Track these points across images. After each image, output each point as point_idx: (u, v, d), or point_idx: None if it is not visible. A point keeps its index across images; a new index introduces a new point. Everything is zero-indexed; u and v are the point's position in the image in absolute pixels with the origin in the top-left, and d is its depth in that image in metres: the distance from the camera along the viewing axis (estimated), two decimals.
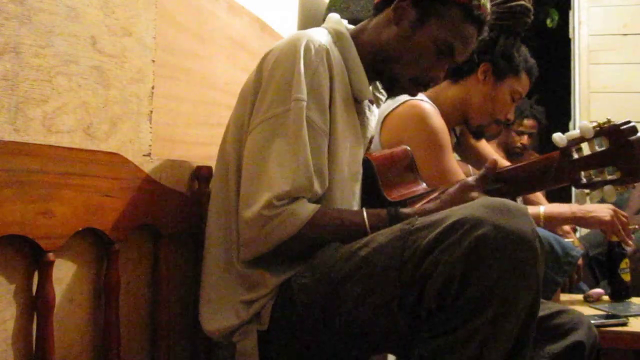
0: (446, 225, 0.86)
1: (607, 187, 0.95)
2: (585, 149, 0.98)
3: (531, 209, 1.64)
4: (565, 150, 0.98)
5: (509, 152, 3.26)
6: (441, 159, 1.51)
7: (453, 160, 1.55)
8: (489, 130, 1.82)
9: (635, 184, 0.98)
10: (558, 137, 0.98)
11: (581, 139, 0.96)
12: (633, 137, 0.92)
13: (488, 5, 1.15)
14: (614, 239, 1.67)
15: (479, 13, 1.12)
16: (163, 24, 1.17)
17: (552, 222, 1.66)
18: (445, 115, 1.57)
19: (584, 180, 0.98)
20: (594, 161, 0.96)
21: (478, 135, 1.77)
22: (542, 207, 1.66)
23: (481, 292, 0.83)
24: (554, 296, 1.62)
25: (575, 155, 0.97)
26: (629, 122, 0.94)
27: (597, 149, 0.95)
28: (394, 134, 1.57)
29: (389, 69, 1.15)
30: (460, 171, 1.54)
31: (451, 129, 1.73)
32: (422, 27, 1.11)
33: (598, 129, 0.95)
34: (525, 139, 3.23)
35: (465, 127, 1.74)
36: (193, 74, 1.30)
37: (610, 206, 1.64)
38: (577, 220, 1.64)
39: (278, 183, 0.97)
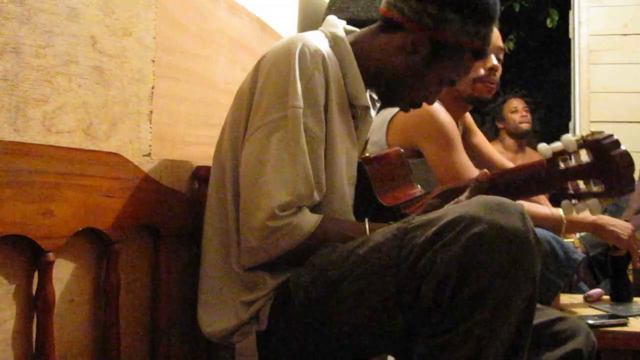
0: (443, 224, 0.86)
1: (592, 200, 0.94)
2: (572, 159, 0.98)
3: (553, 211, 1.64)
4: (552, 160, 0.98)
5: (517, 133, 3.36)
6: (453, 154, 1.52)
7: (464, 154, 1.56)
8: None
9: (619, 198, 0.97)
10: (543, 147, 0.98)
11: (564, 151, 0.96)
12: (615, 152, 0.91)
13: (492, 38, 1.17)
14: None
15: (486, 51, 1.15)
16: (163, 24, 1.17)
17: (573, 226, 1.67)
18: None
19: (571, 191, 0.97)
20: (579, 173, 0.95)
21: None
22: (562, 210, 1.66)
23: (478, 290, 0.83)
24: (554, 299, 1.62)
25: (562, 165, 0.97)
26: (611, 135, 0.93)
27: (582, 160, 0.95)
28: (404, 134, 1.58)
29: (391, 90, 1.18)
30: (472, 164, 1.54)
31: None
32: (433, 65, 1.13)
33: (581, 142, 0.94)
34: (523, 112, 3.37)
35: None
36: (193, 74, 1.30)
37: (630, 226, 1.65)
38: (597, 228, 1.65)
39: (278, 192, 0.98)
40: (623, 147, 0.92)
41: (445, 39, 1.10)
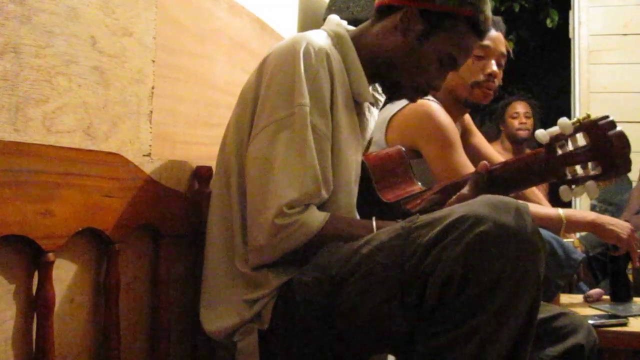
0: (447, 223, 0.86)
1: (589, 183, 0.95)
2: (569, 144, 0.98)
3: (552, 211, 1.64)
4: (549, 147, 0.98)
5: (514, 139, 3.33)
6: (452, 155, 1.52)
7: (464, 155, 1.56)
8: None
9: (615, 180, 0.97)
10: (540, 133, 0.99)
11: (561, 135, 0.96)
12: (611, 132, 0.92)
13: (490, 15, 1.16)
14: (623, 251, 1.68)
15: (483, 26, 1.14)
16: (163, 24, 1.17)
17: (573, 226, 1.67)
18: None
19: (569, 176, 0.98)
20: (577, 157, 0.96)
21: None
22: (562, 210, 1.66)
23: (482, 290, 0.83)
24: (554, 299, 1.62)
25: (559, 151, 0.98)
26: (607, 117, 0.93)
27: (579, 144, 0.96)
28: (403, 134, 1.58)
29: (391, 76, 1.17)
30: (471, 164, 1.54)
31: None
32: (428, 40, 1.12)
33: (577, 124, 0.95)
34: (522, 119, 3.32)
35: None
36: (193, 74, 1.30)
37: (629, 226, 1.66)
38: (596, 227, 1.65)
39: (287, 190, 0.98)
40: (619, 128, 0.92)
41: (433, 8, 1.09)
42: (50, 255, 0.87)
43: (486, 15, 1.14)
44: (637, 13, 3.52)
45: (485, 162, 1.07)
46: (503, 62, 1.71)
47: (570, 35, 3.70)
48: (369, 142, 1.33)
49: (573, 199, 1.01)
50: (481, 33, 1.15)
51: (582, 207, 3.45)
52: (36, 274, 0.87)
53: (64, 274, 0.94)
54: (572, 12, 3.68)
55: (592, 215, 1.67)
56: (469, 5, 1.11)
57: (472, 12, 1.11)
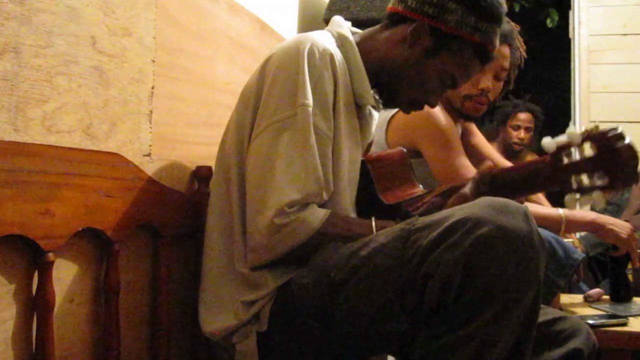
0: (447, 225, 0.86)
1: (596, 193, 0.95)
2: (576, 153, 0.98)
3: (552, 211, 1.64)
4: (556, 155, 0.98)
5: (508, 148, 3.29)
6: (452, 156, 1.52)
7: (464, 155, 1.56)
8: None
9: (622, 191, 0.98)
10: (547, 142, 0.99)
11: (569, 144, 0.96)
12: (619, 144, 0.92)
13: (497, 45, 1.16)
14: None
15: (489, 55, 1.14)
16: (163, 24, 1.17)
17: (573, 225, 1.67)
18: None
19: (574, 185, 0.98)
20: (583, 167, 0.96)
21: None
22: (562, 210, 1.66)
23: (482, 292, 0.83)
24: (554, 299, 1.62)
25: (566, 160, 0.98)
26: (615, 128, 0.94)
27: (586, 154, 0.96)
28: (402, 135, 1.58)
29: (391, 84, 1.16)
30: (471, 165, 1.54)
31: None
32: (433, 57, 1.12)
33: (585, 135, 0.95)
34: (522, 133, 3.28)
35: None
36: (193, 74, 1.30)
37: (629, 225, 1.66)
38: (596, 227, 1.65)
39: (288, 190, 0.98)
40: (627, 140, 0.92)
41: (445, 28, 1.09)
42: (50, 255, 0.87)
43: (494, 45, 1.14)
44: (637, 13, 3.53)
45: (490, 162, 1.07)
46: (502, 75, 1.68)
47: (570, 35, 3.71)
48: (370, 144, 1.32)
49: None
50: (485, 61, 1.16)
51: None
52: (36, 274, 0.87)
53: (64, 274, 0.94)
54: (572, 12, 3.69)
55: (592, 215, 1.67)
56: (480, 33, 1.11)
57: (481, 40, 1.11)
